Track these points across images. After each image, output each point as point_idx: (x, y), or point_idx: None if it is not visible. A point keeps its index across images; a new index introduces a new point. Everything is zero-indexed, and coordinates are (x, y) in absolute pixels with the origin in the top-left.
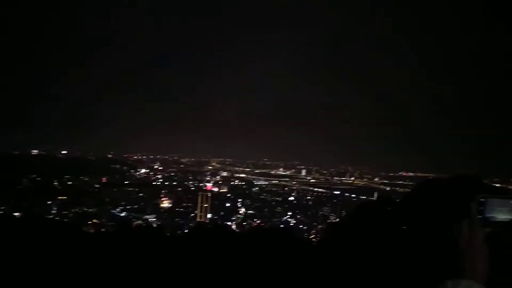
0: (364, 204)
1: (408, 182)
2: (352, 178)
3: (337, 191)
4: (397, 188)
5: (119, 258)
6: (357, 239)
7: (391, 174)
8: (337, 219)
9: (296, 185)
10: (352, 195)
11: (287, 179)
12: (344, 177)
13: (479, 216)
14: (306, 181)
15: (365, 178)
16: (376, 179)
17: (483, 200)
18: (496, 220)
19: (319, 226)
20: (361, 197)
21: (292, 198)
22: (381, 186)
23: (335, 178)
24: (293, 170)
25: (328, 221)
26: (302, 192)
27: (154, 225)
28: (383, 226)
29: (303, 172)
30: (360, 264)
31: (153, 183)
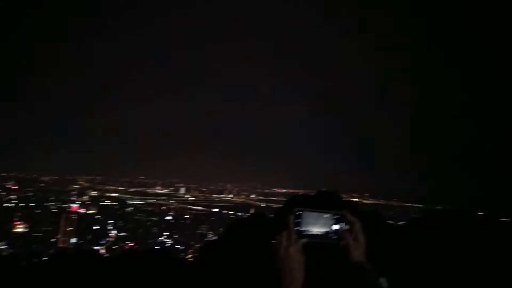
0: (238, 221)
1: (281, 198)
2: (231, 195)
3: (215, 208)
4: (272, 204)
5: None
6: (232, 256)
7: (266, 190)
8: (215, 237)
9: (174, 204)
10: (230, 212)
11: (164, 197)
12: (223, 194)
13: (296, 228)
14: (185, 200)
15: (243, 195)
16: (253, 196)
17: (300, 213)
18: (311, 233)
19: (197, 245)
20: (238, 213)
21: (169, 218)
22: (257, 203)
23: (214, 195)
24: (172, 188)
25: (206, 239)
26: (180, 211)
27: (5, 254)
28: (255, 242)
29: (182, 190)
30: (234, 280)
31: (4, 204)
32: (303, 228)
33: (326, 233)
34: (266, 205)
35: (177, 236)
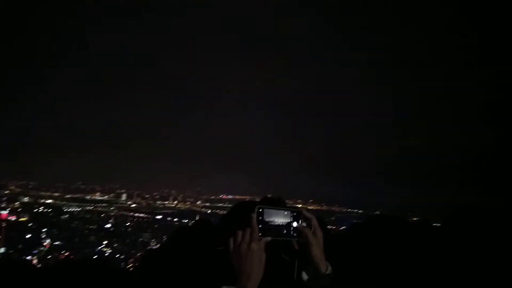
0: (183, 228)
1: (228, 204)
2: (176, 202)
3: (159, 215)
4: (218, 211)
5: None
6: (175, 264)
7: (213, 197)
8: (158, 245)
9: (115, 211)
10: (175, 219)
11: (104, 204)
12: (167, 201)
13: (259, 226)
14: (126, 206)
15: (188, 201)
16: (198, 202)
17: (261, 210)
18: (272, 228)
19: (138, 254)
20: (183, 220)
21: (109, 225)
22: (203, 209)
23: (158, 202)
24: (112, 194)
25: (148, 247)
26: (121, 218)
27: None
28: (200, 249)
29: (124, 197)
30: None
31: None
32: (265, 225)
33: (287, 229)
34: (212, 212)
35: (117, 244)
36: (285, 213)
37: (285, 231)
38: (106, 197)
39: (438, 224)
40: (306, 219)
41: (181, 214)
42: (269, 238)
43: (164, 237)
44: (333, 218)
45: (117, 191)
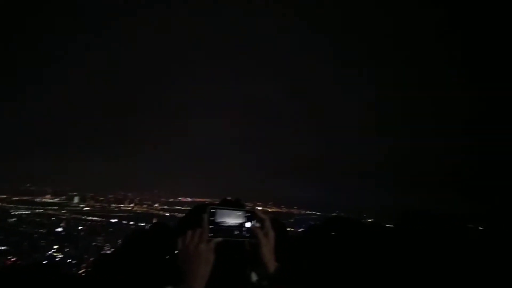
0: (138, 231)
1: (187, 207)
2: (132, 205)
3: (114, 219)
4: (176, 214)
5: None
6: (130, 268)
7: (171, 199)
8: (112, 249)
9: (66, 214)
10: (131, 223)
11: (55, 207)
12: (123, 203)
13: (210, 226)
14: (79, 209)
15: (145, 204)
16: (156, 205)
17: (213, 211)
18: (224, 229)
19: (91, 259)
20: (139, 224)
21: (60, 229)
22: (161, 212)
23: (113, 205)
24: (64, 197)
25: (102, 252)
26: (73, 221)
27: None
28: (156, 253)
29: (76, 200)
30: None
31: None
32: (217, 225)
33: (239, 230)
34: (170, 215)
35: (68, 249)
36: (239, 213)
37: (237, 232)
38: (57, 199)
39: (391, 226)
40: (259, 220)
41: (137, 217)
42: (219, 239)
43: (118, 241)
44: (292, 220)
45: (70, 194)
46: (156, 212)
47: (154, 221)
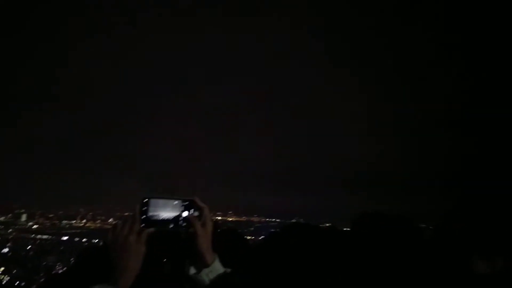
0: (91, 249)
1: None
2: (84, 221)
3: (65, 236)
4: None
5: None
6: (82, 286)
7: (126, 213)
8: (64, 269)
9: (13, 233)
10: (83, 239)
11: (1, 226)
12: (74, 220)
13: (143, 216)
14: (27, 228)
15: (99, 219)
16: (110, 220)
17: (147, 200)
18: (159, 219)
19: (42, 280)
20: (93, 240)
21: (6, 250)
22: None
23: (64, 221)
24: (10, 215)
25: (54, 271)
26: (20, 241)
27: None
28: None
29: (24, 217)
30: None
31: None
32: (150, 215)
33: (175, 220)
34: None
35: (16, 270)
36: (175, 203)
37: (173, 222)
38: (2, 218)
39: (348, 229)
40: (198, 209)
41: (90, 233)
42: (152, 229)
43: (71, 259)
44: (252, 229)
45: (16, 211)
46: (110, 227)
47: None
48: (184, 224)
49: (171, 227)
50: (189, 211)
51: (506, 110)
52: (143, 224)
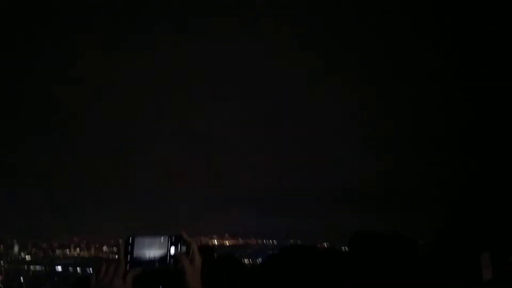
0: (85, 279)
1: None
2: (78, 249)
3: (59, 266)
4: None
5: None
6: None
7: (120, 240)
8: None
9: (5, 266)
10: (78, 269)
11: None
12: (68, 249)
13: (128, 257)
14: (20, 259)
15: (93, 247)
16: (104, 248)
17: (132, 239)
18: (145, 258)
19: None
20: (88, 270)
21: None
22: (111, 256)
23: (58, 251)
24: (1, 246)
25: None
26: (13, 273)
27: None
28: None
29: (16, 248)
30: None
31: None
32: (136, 255)
33: (162, 258)
34: None
35: None
36: (162, 239)
37: (160, 260)
38: None
39: (346, 248)
40: (186, 244)
41: (85, 262)
42: (139, 270)
43: None
44: (249, 251)
45: (8, 242)
46: (105, 256)
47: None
48: (172, 261)
49: (159, 266)
50: (176, 247)
51: None
52: (129, 266)
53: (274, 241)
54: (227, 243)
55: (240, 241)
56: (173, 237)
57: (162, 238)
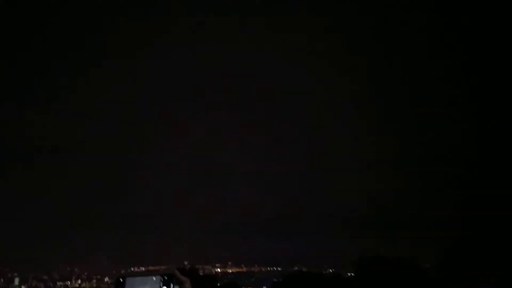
0: None
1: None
2: (79, 281)
3: None
4: None
5: None
6: None
7: (123, 271)
8: None
9: None
10: None
11: None
12: (70, 281)
13: None
14: None
15: (94, 278)
16: (106, 279)
17: (123, 280)
18: None
19: None
20: None
21: None
22: (112, 287)
23: (59, 283)
24: (2, 280)
25: None
26: None
27: None
28: None
29: (17, 281)
30: None
31: None
32: None
33: None
34: None
35: None
36: (154, 278)
37: None
38: None
39: (352, 274)
40: (179, 283)
41: None
42: None
43: None
44: (253, 279)
45: (9, 275)
46: (106, 286)
47: None
48: None
49: None
50: (168, 286)
51: None
52: None
53: (277, 267)
54: (229, 271)
55: (244, 268)
56: (165, 276)
57: (154, 277)
